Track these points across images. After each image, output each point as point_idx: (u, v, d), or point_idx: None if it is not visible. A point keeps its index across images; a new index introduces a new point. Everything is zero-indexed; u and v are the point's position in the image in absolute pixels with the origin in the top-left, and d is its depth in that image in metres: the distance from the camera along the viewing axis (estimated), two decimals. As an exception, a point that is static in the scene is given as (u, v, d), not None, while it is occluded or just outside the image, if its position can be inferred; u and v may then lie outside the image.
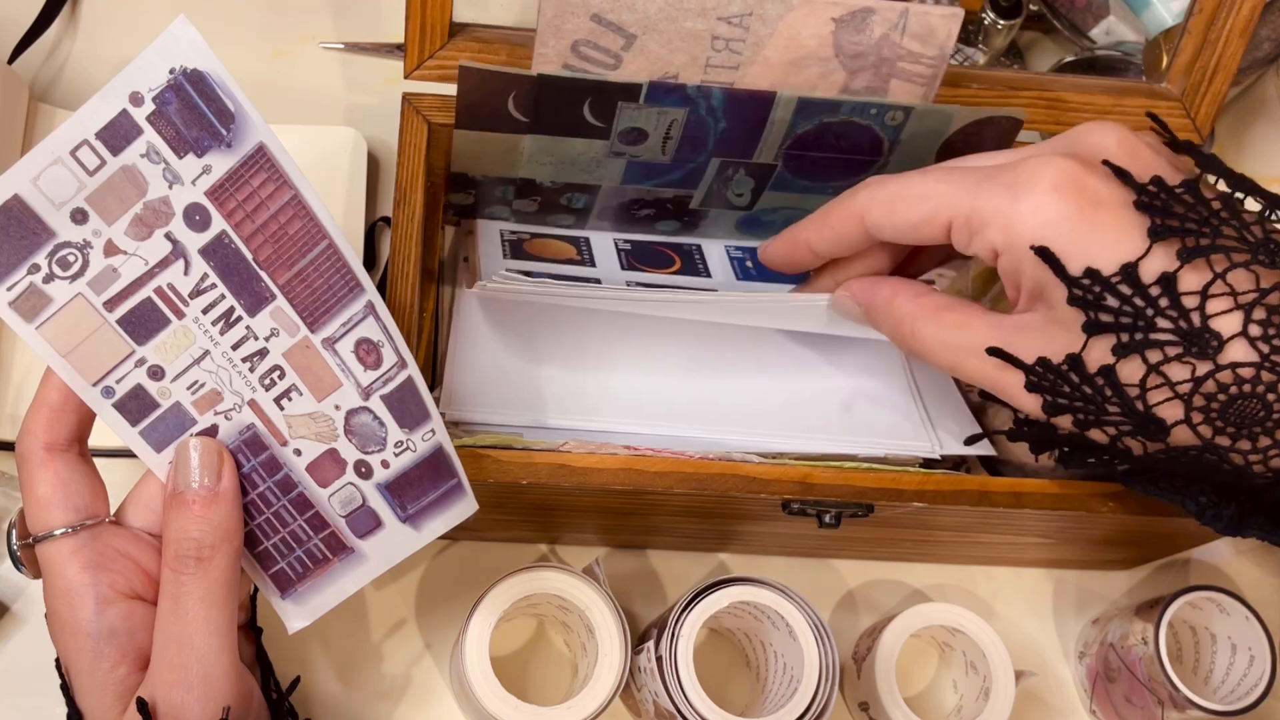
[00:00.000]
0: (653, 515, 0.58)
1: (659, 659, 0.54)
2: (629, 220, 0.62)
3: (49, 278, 0.41)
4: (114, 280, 0.41)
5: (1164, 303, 0.41)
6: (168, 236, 0.41)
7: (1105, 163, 0.43)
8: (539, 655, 0.62)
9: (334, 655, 0.61)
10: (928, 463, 0.57)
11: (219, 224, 0.41)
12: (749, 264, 0.63)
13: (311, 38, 0.74)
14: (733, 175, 0.58)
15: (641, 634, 0.61)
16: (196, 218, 0.41)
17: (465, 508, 0.47)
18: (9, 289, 0.40)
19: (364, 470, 0.45)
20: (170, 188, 0.40)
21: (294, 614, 0.47)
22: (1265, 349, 0.40)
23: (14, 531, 0.44)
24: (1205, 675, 0.62)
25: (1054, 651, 0.66)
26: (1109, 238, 0.42)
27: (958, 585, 0.67)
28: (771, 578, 0.55)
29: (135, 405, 0.43)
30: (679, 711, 0.53)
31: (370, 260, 0.68)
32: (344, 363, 0.43)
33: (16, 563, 0.44)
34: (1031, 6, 0.74)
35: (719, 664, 0.63)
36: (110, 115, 0.39)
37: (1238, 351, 0.41)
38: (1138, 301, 0.41)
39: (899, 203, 0.48)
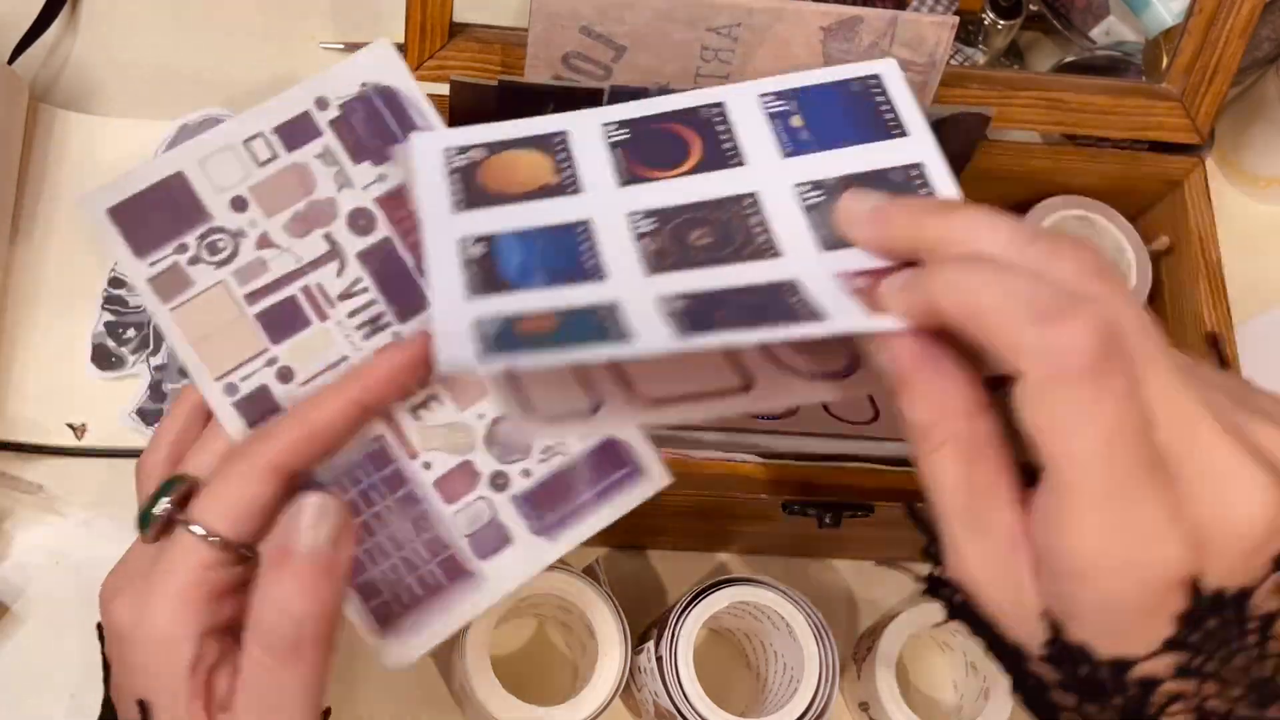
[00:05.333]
0: (653, 515, 0.58)
1: (659, 659, 0.54)
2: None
3: (195, 259, 0.40)
4: (261, 273, 0.40)
5: None
6: (326, 237, 0.40)
7: None
8: (539, 655, 0.62)
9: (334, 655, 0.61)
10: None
11: (384, 230, 0.40)
12: (797, 123, 0.44)
13: (311, 38, 0.74)
14: None
15: (641, 634, 0.61)
16: (361, 222, 0.40)
17: (643, 490, 0.43)
18: (151, 264, 0.39)
19: (500, 482, 0.41)
20: (339, 190, 0.40)
21: (395, 652, 0.41)
22: None
23: (170, 497, 0.38)
24: (1205, 675, 0.62)
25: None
26: None
27: (958, 585, 0.67)
28: (771, 578, 0.55)
29: (256, 408, 0.40)
30: (679, 712, 0.53)
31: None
32: None
33: (147, 519, 0.38)
34: (1031, 6, 0.74)
35: (719, 664, 0.63)
36: (292, 114, 0.40)
37: None
38: None
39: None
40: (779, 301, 0.38)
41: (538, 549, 0.42)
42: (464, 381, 0.41)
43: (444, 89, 0.55)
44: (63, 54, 0.72)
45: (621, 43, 0.50)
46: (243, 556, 0.38)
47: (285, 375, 0.41)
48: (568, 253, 0.41)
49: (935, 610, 0.59)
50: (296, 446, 0.38)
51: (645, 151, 0.43)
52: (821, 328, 0.36)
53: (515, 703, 0.52)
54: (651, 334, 0.37)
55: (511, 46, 0.54)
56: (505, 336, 0.38)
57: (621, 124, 0.44)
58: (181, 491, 0.39)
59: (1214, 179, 0.76)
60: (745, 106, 0.44)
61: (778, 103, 0.44)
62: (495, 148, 0.43)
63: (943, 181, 0.41)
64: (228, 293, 0.40)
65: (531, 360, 0.36)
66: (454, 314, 0.39)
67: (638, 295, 0.39)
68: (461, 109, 0.53)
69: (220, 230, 0.40)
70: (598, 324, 0.38)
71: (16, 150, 0.65)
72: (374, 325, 0.41)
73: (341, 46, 0.74)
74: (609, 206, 0.42)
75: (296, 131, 0.40)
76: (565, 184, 0.43)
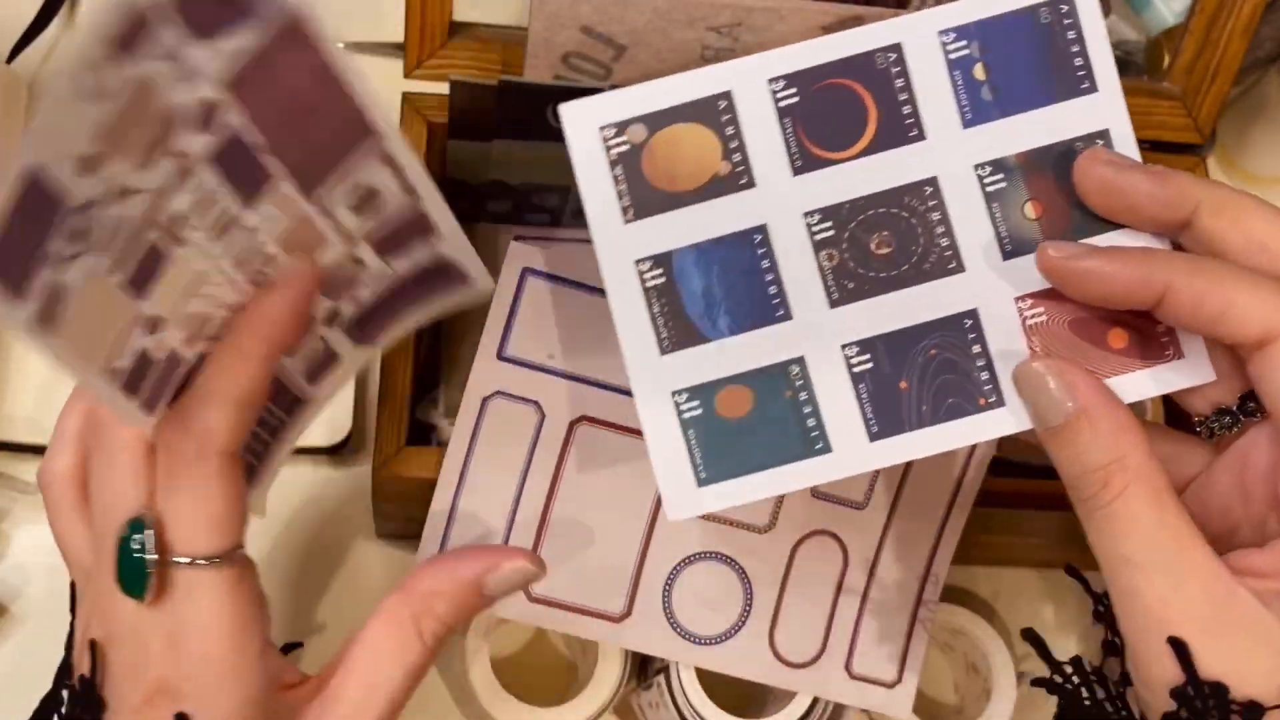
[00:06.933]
0: (653, 516, 0.58)
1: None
2: None
3: (59, 261, 0.31)
4: (115, 236, 0.33)
5: None
6: (171, 153, 0.33)
7: None
8: (539, 655, 0.62)
9: (331, 656, 0.61)
10: (929, 463, 0.57)
11: (234, 118, 0.33)
12: (979, 75, 0.40)
13: (311, 37, 0.74)
14: None
15: (642, 635, 0.61)
16: (204, 117, 0.32)
17: (465, 294, 0.41)
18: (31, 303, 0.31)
19: (331, 317, 0.41)
20: (177, 84, 0.31)
21: (258, 504, 0.42)
22: None
23: (146, 542, 0.35)
24: (1207, 676, 0.62)
25: (1056, 653, 0.66)
26: None
27: (959, 586, 0.67)
28: (772, 578, 0.55)
29: (140, 375, 0.35)
30: (680, 713, 0.53)
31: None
32: (338, 222, 0.37)
33: (139, 582, 0.35)
34: (1032, 6, 0.74)
35: (719, 665, 0.63)
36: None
37: None
38: None
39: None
40: (962, 367, 0.39)
41: (360, 354, 0.42)
42: (308, 243, 0.37)
43: (444, 88, 0.55)
44: (61, 53, 0.72)
45: (622, 42, 0.50)
46: (242, 558, 0.37)
47: (154, 325, 0.35)
48: (749, 274, 0.39)
49: (935, 610, 0.59)
50: (235, 425, 0.35)
51: (818, 121, 0.40)
52: (1000, 426, 0.39)
53: (515, 704, 0.52)
54: (848, 444, 0.38)
55: (511, 46, 0.54)
56: (709, 426, 0.38)
57: (789, 80, 0.40)
58: (154, 534, 0.35)
59: (1215, 178, 0.75)
60: (924, 51, 0.40)
61: (959, 46, 0.40)
62: (655, 121, 0.39)
63: (1127, 155, 0.39)
64: (96, 280, 0.33)
65: (745, 496, 0.38)
66: (652, 386, 0.38)
67: (823, 343, 0.39)
68: (461, 108, 0.53)
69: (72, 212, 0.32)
70: (793, 411, 0.38)
71: (15, 149, 0.64)
72: (221, 226, 0.35)
73: (341, 46, 0.74)
74: (784, 206, 0.39)
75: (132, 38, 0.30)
76: (738, 173, 0.39)
